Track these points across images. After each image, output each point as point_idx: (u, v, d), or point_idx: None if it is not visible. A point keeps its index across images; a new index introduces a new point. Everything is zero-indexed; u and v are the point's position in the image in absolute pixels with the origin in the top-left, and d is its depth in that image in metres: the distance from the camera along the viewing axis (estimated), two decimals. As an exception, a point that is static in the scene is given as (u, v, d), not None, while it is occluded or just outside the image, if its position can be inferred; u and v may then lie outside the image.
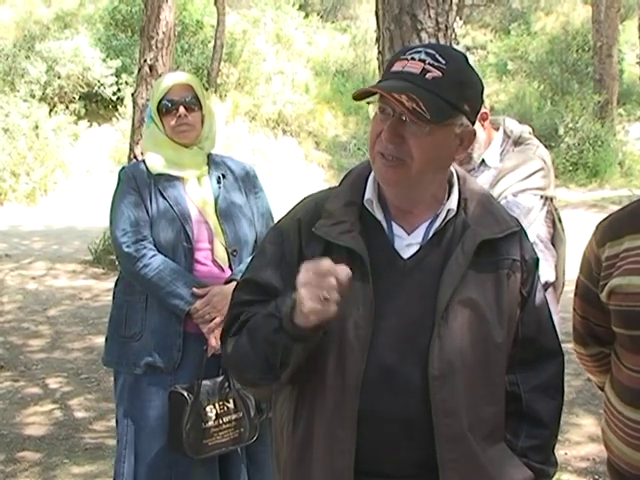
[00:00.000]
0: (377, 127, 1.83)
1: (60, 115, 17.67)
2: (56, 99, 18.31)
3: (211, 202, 3.28)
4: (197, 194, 3.29)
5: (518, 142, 3.55)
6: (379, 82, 1.86)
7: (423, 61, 1.78)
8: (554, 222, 3.57)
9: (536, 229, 3.45)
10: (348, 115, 20.98)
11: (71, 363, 6.66)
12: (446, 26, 3.82)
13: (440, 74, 1.76)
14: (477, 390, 1.84)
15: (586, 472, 4.59)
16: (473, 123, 1.87)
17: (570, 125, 18.61)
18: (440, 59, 1.78)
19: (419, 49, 1.82)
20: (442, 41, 3.81)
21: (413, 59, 1.79)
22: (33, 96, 17.82)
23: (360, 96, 1.83)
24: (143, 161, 3.34)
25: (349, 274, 1.67)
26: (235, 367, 1.96)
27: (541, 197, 3.43)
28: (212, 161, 3.37)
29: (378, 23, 3.98)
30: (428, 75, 1.76)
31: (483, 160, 3.51)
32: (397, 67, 1.82)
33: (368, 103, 1.87)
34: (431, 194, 1.90)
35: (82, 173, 17.43)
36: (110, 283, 3.33)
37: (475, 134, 1.89)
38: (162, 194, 3.23)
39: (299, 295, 1.68)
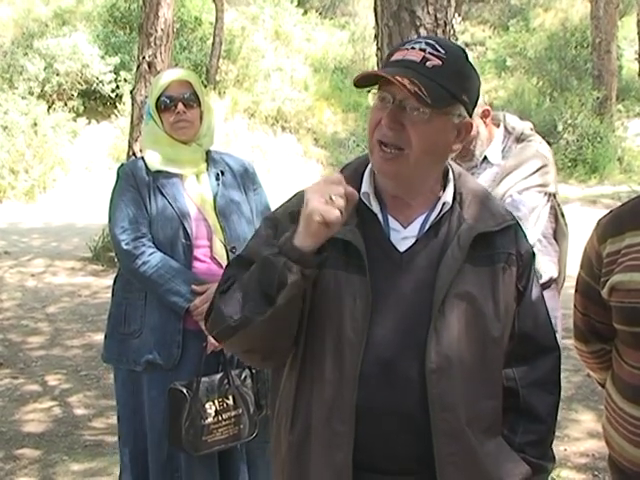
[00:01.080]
0: (376, 115, 1.84)
1: (59, 112, 17.64)
2: (55, 96, 18.28)
3: (210, 199, 3.28)
4: (196, 191, 3.28)
5: (520, 139, 3.56)
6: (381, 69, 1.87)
7: (423, 50, 1.80)
8: (556, 217, 3.58)
9: (541, 226, 3.46)
10: (347, 112, 20.98)
11: (70, 360, 6.66)
12: (445, 22, 3.82)
13: (440, 62, 1.79)
14: (475, 384, 1.84)
15: (585, 468, 4.59)
16: (470, 115, 1.88)
17: (569, 121, 18.61)
18: (440, 49, 1.81)
19: (419, 40, 1.85)
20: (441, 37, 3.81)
21: (413, 48, 1.82)
22: (32, 93, 17.80)
23: (361, 83, 1.84)
24: (142, 158, 3.33)
25: (356, 194, 1.73)
26: (222, 314, 1.86)
27: (545, 194, 3.44)
28: (211, 158, 3.37)
29: (377, 19, 3.97)
30: (428, 63, 1.78)
31: (485, 157, 3.51)
32: (397, 56, 1.84)
33: (368, 91, 1.87)
34: (428, 187, 1.91)
35: (81, 170, 17.41)
36: (109, 280, 3.33)
37: (472, 126, 1.90)
38: (161, 191, 3.23)
39: (306, 199, 1.71)
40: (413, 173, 1.84)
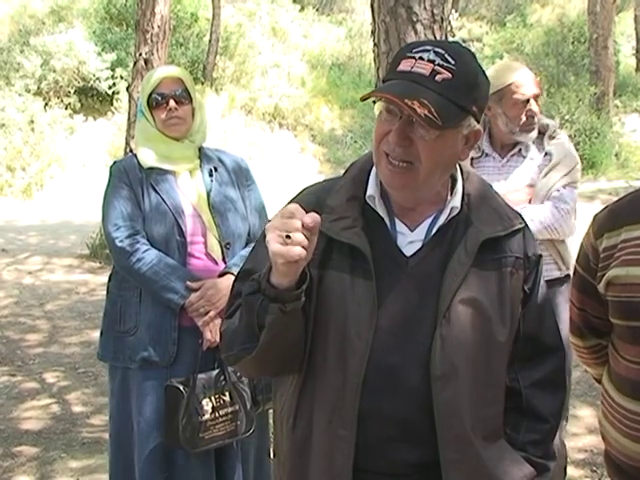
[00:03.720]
0: (383, 127, 1.79)
1: (55, 109, 17.62)
2: (51, 93, 18.25)
3: (204, 195, 3.27)
4: (189, 188, 3.28)
5: (551, 136, 3.69)
6: (386, 80, 1.80)
7: (432, 61, 1.73)
8: None
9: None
10: (344, 108, 20.96)
11: (68, 357, 6.65)
12: (442, 18, 3.82)
13: (450, 75, 1.72)
14: (479, 390, 1.83)
15: (584, 464, 4.59)
16: (479, 122, 1.83)
17: (566, 117, 18.58)
18: (449, 59, 1.73)
19: (427, 47, 1.76)
20: (438, 33, 3.81)
21: (422, 59, 1.74)
22: (28, 90, 17.77)
23: (365, 97, 1.79)
24: (135, 155, 3.33)
25: (317, 218, 1.63)
26: (224, 344, 1.90)
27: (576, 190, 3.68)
28: (204, 154, 3.36)
29: (373, 15, 3.97)
30: (438, 77, 1.71)
31: (520, 150, 3.65)
32: (404, 66, 1.76)
33: (374, 102, 1.83)
34: (436, 192, 1.88)
35: (78, 167, 17.37)
36: (107, 277, 3.33)
37: (480, 133, 1.85)
38: (154, 188, 3.22)
39: (267, 239, 1.64)
40: (421, 185, 1.81)
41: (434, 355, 1.78)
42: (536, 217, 3.48)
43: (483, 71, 1.82)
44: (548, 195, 3.54)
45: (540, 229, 3.46)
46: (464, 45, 1.85)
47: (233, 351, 1.84)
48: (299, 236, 1.61)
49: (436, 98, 1.70)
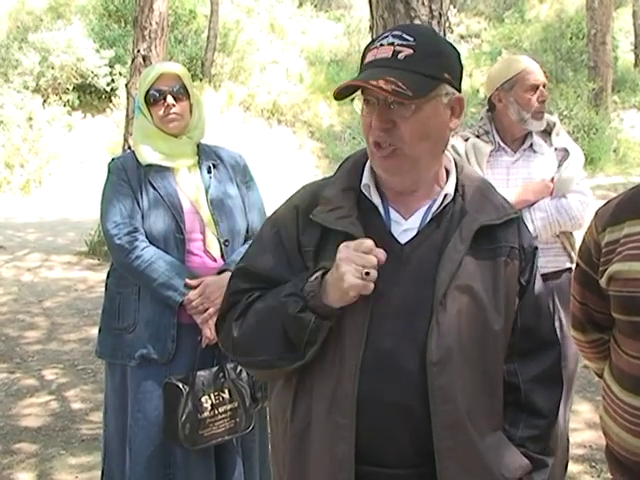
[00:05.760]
0: (367, 119, 1.84)
1: (54, 106, 17.61)
2: (50, 90, 18.24)
3: (202, 192, 3.26)
4: (188, 184, 3.27)
5: (555, 131, 3.77)
6: (356, 77, 1.86)
7: (392, 44, 1.79)
8: None
9: None
10: (342, 104, 20.90)
11: (67, 354, 6.65)
12: (440, 14, 3.81)
13: (411, 51, 1.78)
14: (475, 377, 1.83)
15: (583, 459, 4.59)
16: (459, 90, 1.87)
17: (565, 113, 18.56)
18: (408, 37, 1.80)
19: (386, 34, 1.84)
20: (436, 29, 3.80)
21: (382, 45, 1.81)
22: (27, 87, 17.77)
23: (341, 95, 1.83)
24: (133, 152, 3.32)
25: (385, 255, 1.73)
26: (246, 349, 1.91)
27: None
28: (202, 151, 3.35)
29: (371, 11, 3.96)
30: (400, 55, 1.78)
31: (531, 144, 3.69)
32: (369, 57, 1.83)
33: (352, 100, 1.87)
34: (433, 175, 1.90)
35: (76, 164, 17.36)
36: (105, 274, 3.34)
37: (464, 100, 1.88)
38: (152, 185, 3.21)
39: (339, 271, 1.71)
40: (414, 164, 1.83)
41: (430, 341, 1.79)
42: (564, 210, 3.61)
43: (447, 41, 1.90)
44: (569, 188, 3.66)
45: (566, 221, 3.61)
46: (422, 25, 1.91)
47: (261, 357, 1.87)
48: (375, 273, 1.71)
49: (401, 73, 1.75)
